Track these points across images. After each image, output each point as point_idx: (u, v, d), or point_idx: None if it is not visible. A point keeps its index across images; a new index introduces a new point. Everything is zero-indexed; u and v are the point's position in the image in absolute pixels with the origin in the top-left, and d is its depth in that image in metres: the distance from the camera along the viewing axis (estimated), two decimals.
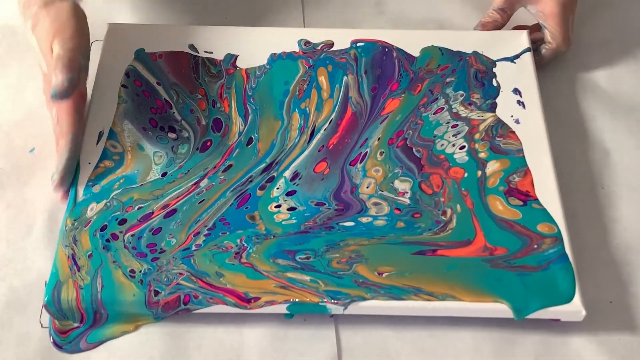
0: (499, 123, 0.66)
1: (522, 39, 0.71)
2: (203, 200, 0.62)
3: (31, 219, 0.64)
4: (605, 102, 0.72)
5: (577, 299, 0.56)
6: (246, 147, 0.66)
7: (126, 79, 0.68)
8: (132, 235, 0.60)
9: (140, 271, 0.58)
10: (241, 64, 0.70)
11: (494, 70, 0.69)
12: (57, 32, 0.62)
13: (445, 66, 0.70)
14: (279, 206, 0.62)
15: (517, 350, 0.58)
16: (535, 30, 0.73)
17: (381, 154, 0.65)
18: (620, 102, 0.72)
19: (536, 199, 0.61)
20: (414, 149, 0.65)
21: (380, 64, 0.70)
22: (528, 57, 0.70)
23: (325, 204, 0.62)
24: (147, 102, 0.68)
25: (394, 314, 0.58)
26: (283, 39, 0.71)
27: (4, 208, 0.64)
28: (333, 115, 0.67)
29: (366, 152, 0.65)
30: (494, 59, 0.70)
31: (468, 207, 0.61)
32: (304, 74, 0.70)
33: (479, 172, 0.63)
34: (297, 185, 0.63)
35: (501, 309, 0.56)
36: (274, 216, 0.61)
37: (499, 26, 0.73)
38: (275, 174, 0.64)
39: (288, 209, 0.62)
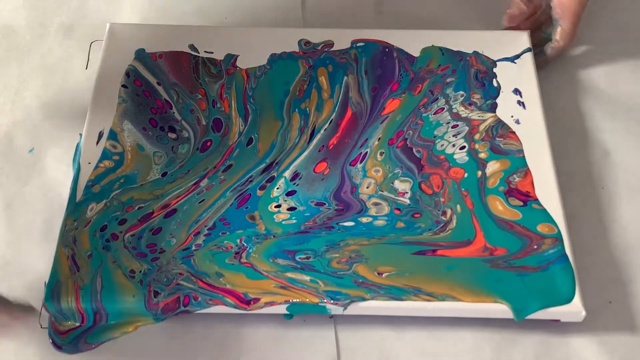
0: (499, 123, 0.66)
1: (523, 40, 0.71)
2: (203, 200, 0.62)
3: (31, 219, 0.64)
4: (605, 102, 0.72)
5: (577, 299, 0.56)
6: (246, 147, 0.66)
7: (126, 79, 0.68)
8: (132, 235, 0.60)
9: (140, 271, 0.58)
10: (241, 64, 0.70)
11: (495, 70, 0.69)
12: None
13: (445, 66, 0.70)
14: (279, 206, 0.62)
15: (517, 350, 0.58)
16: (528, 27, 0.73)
17: (381, 154, 0.65)
18: (620, 102, 0.72)
19: (536, 200, 0.61)
20: (414, 149, 0.65)
21: (381, 64, 0.70)
22: (528, 58, 0.70)
23: (325, 204, 0.62)
24: (147, 102, 0.68)
25: (394, 314, 0.58)
26: (283, 39, 0.71)
27: (4, 208, 0.64)
28: (333, 116, 0.67)
29: (366, 152, 0.65)
30: (495, 59, 0.70)
31: (468, 208, 0.61)
32: (304, 74, 0.70)
33: (479, 173, 0.63)
34: (297, 185, 0.63)
35: (501, 309, 0.56)
36: (274, 216, 0.61)
37: (525, 18, 0.72)
38: (275, 174, 0.64)
39: (288, 209, 0.62)
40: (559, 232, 0.59)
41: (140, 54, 0.70)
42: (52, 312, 0.57)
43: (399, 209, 0.62)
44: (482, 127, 0.66)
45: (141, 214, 0.61)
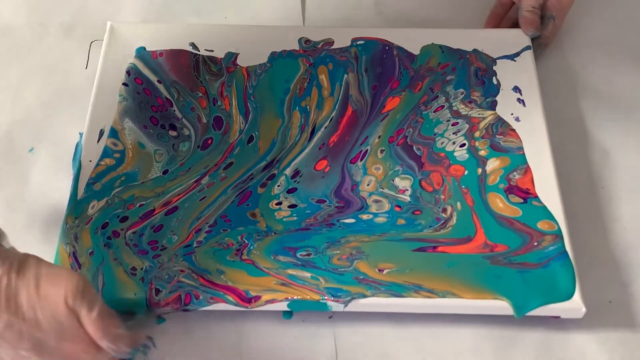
0: (499, 121, 0.66)
1: (523, 37, 0.71)
2: (204, 197, 0.62)
3: (31, 219, 0.64)
4: (605, 102, 0.72)
5: (577, 296, 0.56)
6: (247, 145, 0.66)
7: (127, 77, 0.68)
8: (133, 233, 0.60)
9: (142, 269, 0.58)
10: (242, 62, 0.70)
11: (494, 68, 0.70)
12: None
13: (445, 64, 0.70)
14: (279, 203, 0.62)
15: (518, 347, 0.58)
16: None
17: (381, 151, 0.65)
18: (620, 102, 0.72)
19: (536, 197, 0.61)
20: (414, 147, 0.65)
21: (381, 62, 0.70)
22: (528, 55, 0.70)
23: (325, 201, 0.62)
24: (148, 100, 0.68)
25: (395, 311, 0.58)
26: (283, 37, 0.71)
27: (4, 208, 0.64)
28: (333, 114, 0.67)
29: (367, 150, 0.65)
30: (494, 57, 0.70)
31: (468, 205, 0.61)
32: (305, 72, 0.70)
33: (479, 170, 0.63)
34: (298, 182, 0.63)
35: (501, 306, 0.56)
36: (275, 213, 0.61)
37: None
38: (276, 172, 0.64)
39: (289, 206, 0.62)
40: (559, 229, 0.59)
41: (141, 52, 0.70)
42: None
43: (399, 206, 0.62)
44: (482, 124, 0.66)
45: (142, 212, 0.61)
